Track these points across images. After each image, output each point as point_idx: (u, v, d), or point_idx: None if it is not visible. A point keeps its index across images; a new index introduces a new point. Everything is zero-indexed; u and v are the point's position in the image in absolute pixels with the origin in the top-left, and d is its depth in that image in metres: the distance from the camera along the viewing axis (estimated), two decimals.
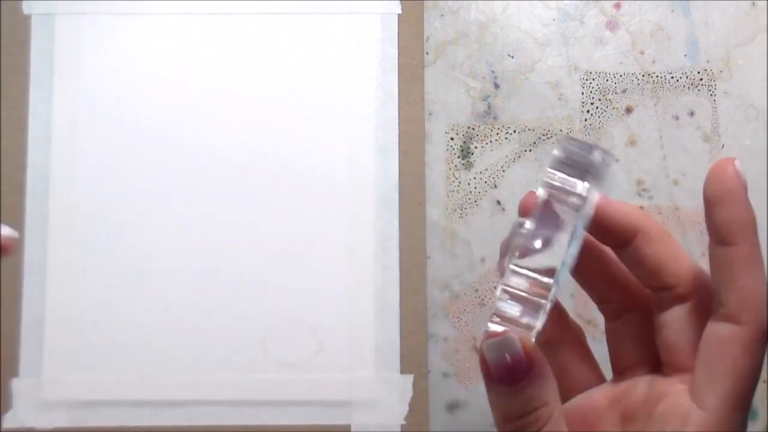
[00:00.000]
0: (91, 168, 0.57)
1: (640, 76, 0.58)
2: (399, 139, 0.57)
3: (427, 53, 0.58)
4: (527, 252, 0.24)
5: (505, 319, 0.24)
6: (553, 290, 0.24)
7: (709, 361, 0.23)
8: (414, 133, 0.57)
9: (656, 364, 0.26)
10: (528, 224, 0.24)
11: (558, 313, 0.28)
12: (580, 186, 0.24)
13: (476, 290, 0.57)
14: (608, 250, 0.27)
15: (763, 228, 0.57)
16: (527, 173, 0.58)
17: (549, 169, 0.24)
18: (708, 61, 0.58)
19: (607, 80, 0.58)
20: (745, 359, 0.22)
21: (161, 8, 0.58)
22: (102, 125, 0.57)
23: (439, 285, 0.57)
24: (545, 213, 0.24)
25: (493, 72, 0.58)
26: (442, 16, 0.59)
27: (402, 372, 0.56)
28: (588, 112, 0.58)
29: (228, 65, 0.58)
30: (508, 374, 0.24)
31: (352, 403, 0.55)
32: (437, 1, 0.59)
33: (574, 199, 0.24)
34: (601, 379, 0.28)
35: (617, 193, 0.57)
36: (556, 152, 0.24)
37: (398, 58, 0.58)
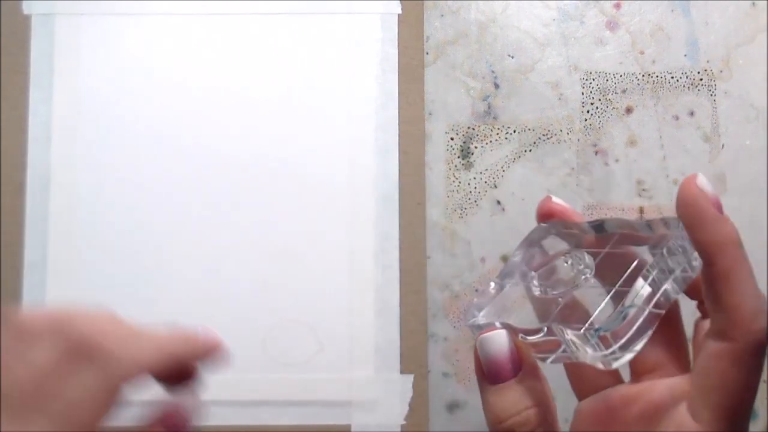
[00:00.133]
0: (91, 168, 0.57)
1: (640, 76, 0.58)
2: (399, 139, 0.57)
3: (427, 53, 0.58)
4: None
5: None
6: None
7: (702, 376, 0.23)
8: (414, 133, 0.57)
9: (677, 366, 0.26)
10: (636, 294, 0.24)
11: None
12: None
13: (476, 290, 0.57)
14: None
15: (763, 228, 0.57)
16: (527, 173, 0.58)
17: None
18: (708, 61, 0.58)
19: (607, 80, 0.58)
20: (735, 373, 0.22)
21: (161, 8, 0.58)
22: (102, 125, 0.57)
23: (439, 285, 0.57)
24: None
25: (493, 72, 0.58)
26: (442, 16, 0.59)
27: (402, 372, 0.56)
28: (588, 112, 0.58)
29: (228, 65, 0.58)
30: (498, 372, 0.24)
31: (352, 403, 0.55)
32: (437, 1, 0.59)
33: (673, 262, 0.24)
34: (618, 380, 0.28)
35: (617, 194, 0.57)
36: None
37: (398, 58, 0.58)
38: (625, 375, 0.28)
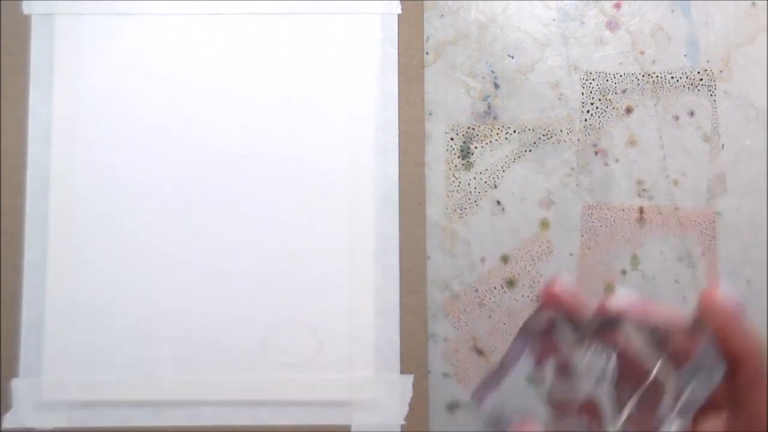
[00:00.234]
0: (91, 168, 0.57)
1: (640, 76, 0.58)
2: (399, 139, 0.57)
3: (427, 53, 0.58)
4: None
5: None
6: None
7: None
8: (414, 133, 0.57)
9: (728, 406, 0.26)
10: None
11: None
12: None
13: (476, 290, 0.57)
14: None
15: (764, 228, 0.57)
16: (527, 173, 0.58)
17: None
18: (708, 61, 0.58)
19: (607, 80, 0.58)
20: None
21: (161, 8, 0.58)
22: (102, 125, 0.57)
23: (439, 285, 0.57)
24: None
25: (493, 72, 0.58)
26: (442, 16, 0.59)
27: (402, 372, 0.56)
28: (588, 112, 0.58)
29: (228, 65, 0.58)
30: None
31: (352, 403, 0.55)
32: (437, 1, 0.59)
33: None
34: None
35: (617, 194, 0.57)
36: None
37: (398, 58, 0.58)
38: None
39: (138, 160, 0.57)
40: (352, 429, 0.55)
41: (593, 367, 0.26)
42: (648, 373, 0.24)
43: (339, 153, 0.57)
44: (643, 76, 0.58)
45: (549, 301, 0.27)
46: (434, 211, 0.57)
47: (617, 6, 0.59)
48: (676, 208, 0.57)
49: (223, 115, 0.57)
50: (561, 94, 0.58)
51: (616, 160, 0.58)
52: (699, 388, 0.24)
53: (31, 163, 0.57)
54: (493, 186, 0.58)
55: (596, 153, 0.58)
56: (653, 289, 0.57)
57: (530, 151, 0.58)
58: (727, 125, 0.58)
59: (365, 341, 0.56)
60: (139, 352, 0.56)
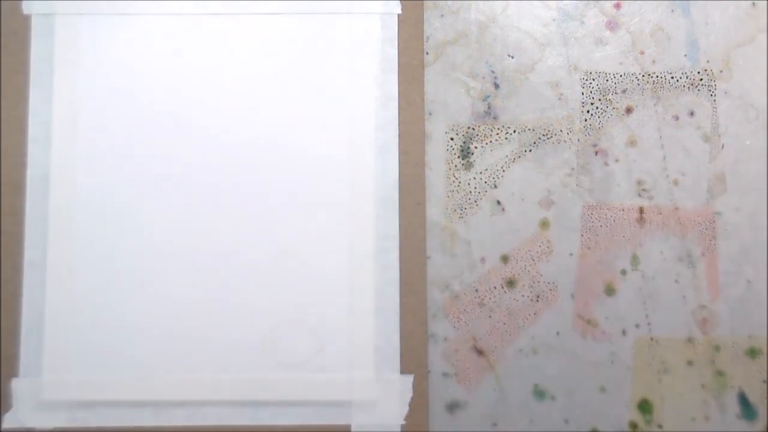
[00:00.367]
0: (91, 168, 0.57)
1: (640, 76, 0.58)
2: (399, 139, 0.57)
3: (427, 53, 0.58)
4: None
5: None
6: None
7: None
8: (414, 133, 0.57)
9: None
10: None
11: None
12: None
13: (476, 290, 0.57)
14: None
15: (764, 228, 0.57)
16: (527, 173, 0.58)
17: None
18: (708, 61, 0.58)
19: (607, 80, 0.58)
20: None
21: (161, 8, 0.58)
22: (102, 125, 0.57)
23: (439, 285, 0.57)
24: None
25: (493, 72, 0.58)
26: (442, 16, 0.59)
27: (402, 372, 0.56)
28: (588, 112, 0.58)
29: (228, 65, 0.58)
30: None
31: (352, 403, 0.55)
32: (437, 1, 0.59)
33: None
34: None
35: (617, 194, 0.57)
36: None
37: (398, 58, 0.58)
38: None
39: (138, 160, 0.57)
40: (352, 429, 0.55)
41: None
42: None
43: (339, 153, 0.57)
44: (643, 76, 0.58)
45: None
46: (434, 211, 0.57)
47: (617, 6, 0.59)
48: (676, 208, 0.57)
49: (222, 115, 0.57)
50: (561, 94, 0.58)
51: (616, 160, 0.58)
52: None
53: (31, 163, 0.57)
54: (493, 186, 0.58)
55: (596, 153, 0.58)
56: (653, 289, 0.57)
57: (530, 151, 0.58)
58: (727, 125, 0.58)
59: (365, 341, 0.56)
60: (139, 352, 0.56)
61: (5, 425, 0.55)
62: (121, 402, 0.55)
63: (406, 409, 0.55)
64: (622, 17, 0.59)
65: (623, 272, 0.57)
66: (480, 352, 0.57)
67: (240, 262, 0.56)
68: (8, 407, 0.55)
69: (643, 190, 0.58)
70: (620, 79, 0.58)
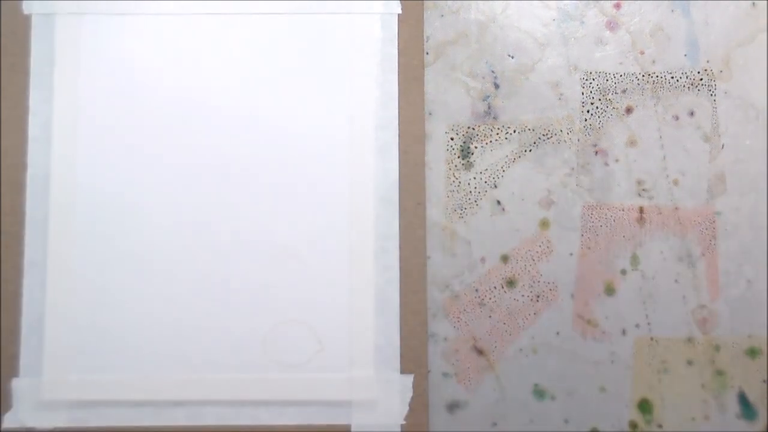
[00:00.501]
0: (91, 167, 0.57)
1: (640, 76, 0.58)
2: (399, 139, 0.57)
3: (427, 53, 0.58)
4: None
5: None
6: None
7: None
8: (414, 133, 0.57)
9: None
10: None
11: None
12: None
13: (476, 290, 0.57)
14: None
15: (764, 228, 0.57)
16: (527, 173, 0.58)
17: None
18: (708, 61, 0.58)
19: (607, 80, 0.58)
20: None
21: (161, 8, 0.58)
22: (102, 125, 0.57)
23: (439, 285, 0.57)
24: None
25: (493, 72, 0.58)
26: (442, 16, 0.59)
27: (402, 372, 0.56)
28: (588, 112, 0.58)
29: (228, 65, 0.58)
30: None
31: (352, 403, 0.55)
32: (437, 1, 0.59)
33: None
34: None
35: (617, 194, 0.57)
36: None
37: (398, 58, 0.58)
38: None
39: (138, 159, 0.57)
40: (352, 429, 0.55)
41: None
42: None
43: (339, 153, 0.57)
44: (643, 76, 0.58)
45: None
46: (434, 211, 0.57)
47: (617, 6, 0.59)
48: (676, 208, 0.57)
49: (222, 115, 0.57)
50: (561, 94, 0.58)
51: (616, 160, 0.58)
52: None
53: (31, 163, 0.57)
54: (493, 186, 0.58)
55: (596, 153, 0.58)
56: (653, 289, 0.57)
57: (530, 151, 0.58)
58: (727, 125, 0.58)
59: (365, 341, 0.56)
60: (139, 352, 0.56)
61: (5, 425, 0.55)
62: (121, 402, 0.55)
63: (406, 409, 0.55)
64: (622, 17, 0.59)
65: (623, 272, 0.57)
66: (480, 352, 0.57)
67: (240, 262, 0.56)
68: (8, 407, 0.55)
69: (643, 189, 0.58)
70: (620, 79, 0.58)
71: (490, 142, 0.58)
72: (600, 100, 0.58)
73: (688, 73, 0.58)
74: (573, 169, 0.58)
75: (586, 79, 0.58)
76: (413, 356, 0.56)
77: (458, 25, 0.59)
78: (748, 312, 0.57)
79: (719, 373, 0.57)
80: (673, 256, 0.57)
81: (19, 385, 0.55)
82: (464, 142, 0.58)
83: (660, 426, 0.56)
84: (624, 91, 0.58)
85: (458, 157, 0.58)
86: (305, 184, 0.57)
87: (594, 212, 0.57)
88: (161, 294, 0.56)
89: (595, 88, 0.58)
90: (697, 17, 0.59)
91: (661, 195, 0.57)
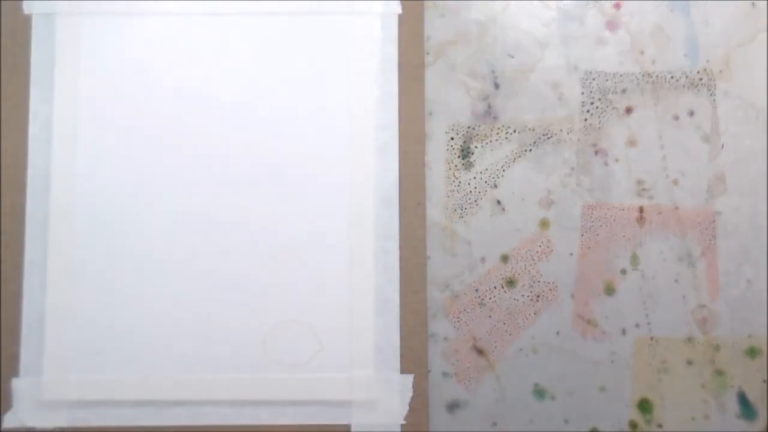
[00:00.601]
0: (91, 168, 0.57)
1: (640, 76, 0.58)
2: (399, 139, 0.57)
3: (427, 53, 0.58)
4: None
5: None
6: None
7: None
8: (414, 133, 0.57)
9: None
10: None
11: None
12: None
13: (476, 290, 0.57)
14: None
15: (764, 228, 0.57)
16: (527, 173, 0.58)
17: None
18: (708, 61, 0.58)
19: (607, 80, 0.58)
20: None
21: (161, 8, 0.58)
22: (102, 125, 0.57)
23: (439, 285, 0.57)
24: None
25: (493, 72, 0.58)
26: (442, 16, 0.59)
27: (402, 372, 0.56)
28: (588, 112, 0.58)
29: (228, 65, 0.58)
30: None
31: (352, 403, 0.55)
32: (437, 1, 0.59)
33: None
34: None
35: (617, 194, 0.57)
36: None
37: (398, 58, 0.58)
38: None
39: (138, 160, 0.57)
40: (352, 429, 0.55)
41: None
42: None
43: (339, 153, 0.57)
44: (643, 76, 0.58)
45: None
46: (434, 211, 0.57)
47: (617, 6, 0.59)
48: (676, 208, 0.57)
49: (222, 115, 0.57)
50: (561, 94, 0.58)
51: (616, 160, 0.58)
52: None
53: (31, 163, 0.57)
54: (493, 186, 0.58)
55: (596, 153, 0.58)
56: (653, 289, 0.57)
57: (530, 151, 0.58)
58: (727, 125, 0.58)
59: (365, 341, 0.56)
60: (139, 352, 0.56)
61: (5, 425, 0.55)
62: (121, 402, 0.55)
63: (406, 409, 0.55)
64: (622, 17, 0.59)
65: (623, 272, 0.57)
66: (480, 352, 0.57)
67: (240, 262, 0.56)
68: (8, 407, 0.55)
69: (643, 189, 0.58)
70: (620, 79, 0.58)
71: (490, 142, 0.58)
72: (600, 100, 0.58)
73: (688, 73, 0.58)
74: (573, 169, 0.58)
75: (586, 79, 0.58)
76: (413, 356, 0.56)
77: (458, 25, 0.59)
78: (748, 312, 0.57)
79: (719, 373, 0.57)
80: (673, 256, 0.57)
81: (19, 385, 0.55)
82: (464, 142, 0.58)
83: (660, 426, 0.56)
84: (624, 91, 0.58)
85: (458, 157, 0.58)
86: (305, 184, 0.57)
87: (594, 212, 0.57)
88: (161, 294, 0.56)
89: (595, 88, 0.58)
90: (697, 17, 0.59)
91: (661, 195, 0.57)
